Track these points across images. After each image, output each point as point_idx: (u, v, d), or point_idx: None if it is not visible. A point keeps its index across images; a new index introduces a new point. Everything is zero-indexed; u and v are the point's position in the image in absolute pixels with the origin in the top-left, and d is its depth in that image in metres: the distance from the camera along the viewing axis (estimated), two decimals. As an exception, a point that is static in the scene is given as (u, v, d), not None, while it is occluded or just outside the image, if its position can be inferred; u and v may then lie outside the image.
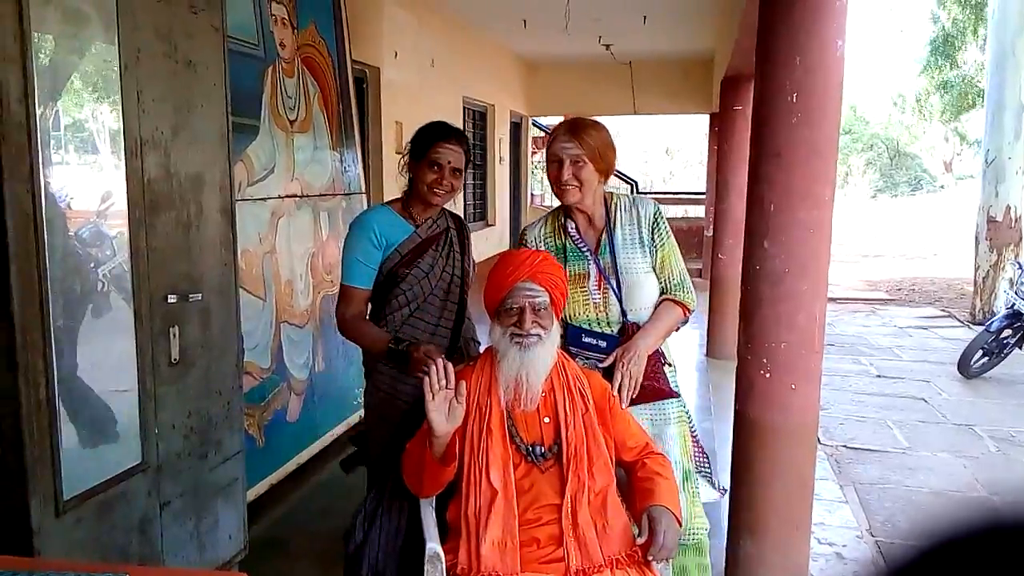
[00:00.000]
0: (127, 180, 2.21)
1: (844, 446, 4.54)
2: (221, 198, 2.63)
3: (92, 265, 2.18)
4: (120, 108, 2.19)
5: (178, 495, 2.46)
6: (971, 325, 7.99)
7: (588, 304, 2.25)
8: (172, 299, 2.38)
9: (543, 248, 2.29)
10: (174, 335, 2.41)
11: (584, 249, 2.28)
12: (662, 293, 2.30)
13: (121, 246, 2.24)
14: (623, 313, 2.25)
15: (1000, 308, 6.80)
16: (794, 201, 2.43)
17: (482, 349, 2.18)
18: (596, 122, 2.27)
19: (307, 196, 4.01)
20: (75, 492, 2.04)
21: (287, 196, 3.82)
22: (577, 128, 2.21)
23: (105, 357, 2.27)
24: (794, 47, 2.37)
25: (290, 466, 3.76)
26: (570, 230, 2.30)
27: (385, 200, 2.79)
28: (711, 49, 8.79)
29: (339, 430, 4.27)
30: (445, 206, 2.52)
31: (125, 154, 2.21)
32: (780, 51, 2.41)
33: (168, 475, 2.41)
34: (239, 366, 2.78)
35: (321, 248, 4.17)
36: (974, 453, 4.45)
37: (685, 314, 2.30)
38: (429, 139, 2.38)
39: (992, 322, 6.08)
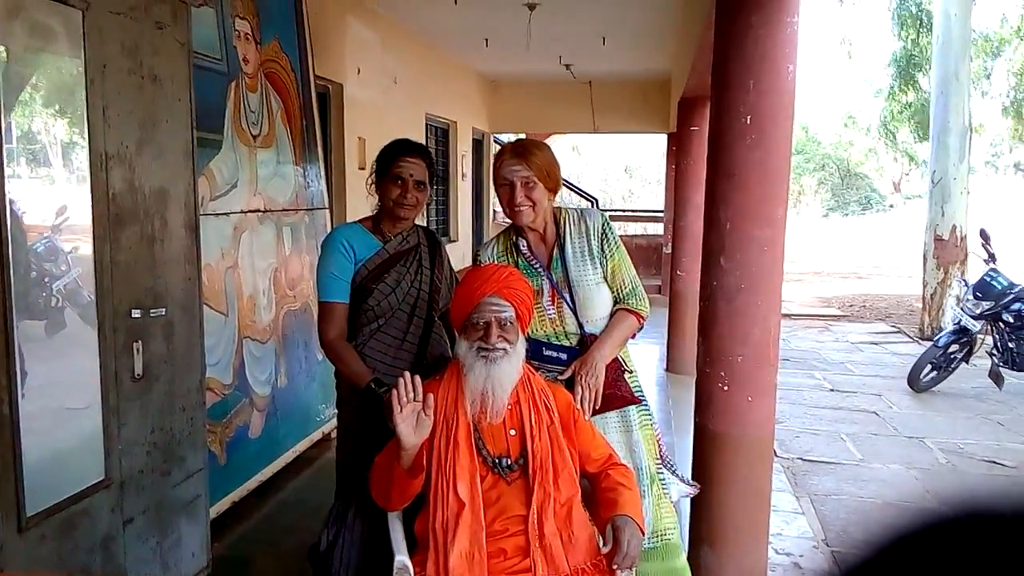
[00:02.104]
0: (91, 194, 2.21)
1: (800, 458, 4.64)
2: (185, 213, 2.63)
3: (47, 280, 2.16)
4: (85, 122, 2.19)
5: (141, 512, 2.44)
6: (920, 341, 8.22)
7: (544, 320, 2.30)
8: (136, 314, 2.37)
9: None
10: (137, 350, 2.39)
11: (536, 266, 2.33)
12: (615, 303, 2.36)
13: (76, 261, 2.22)
14: (580, 325, 2.30)
15: (947, 324, 7.01)
16: (748, 219, 2.52)
17: None
18: (540, 142, 2.37)
19: (270, 211, 4.01)
20: (38, 508, 2.02)
21: (250, 211, 3.81)
22: (523, 150, 2.27)
23: (68, 372, 2.25)
24: (748, 72, 2.47)
25: (252, 483, 3.73)
26: (522, 248, 2.35)
27: (350, 217, 2.81)
28: (668, 71, 8.97)
29: (302, 446, 4.24)
30: (417, 222, 2.57)
31: (90, 168, 2.20)
32: (734, 75, 2.50)
33: (131, 492, 2.39)
34: (203, 381, 2.77)
35: (284, 263, 4.16)
36: (924, 464, 4.59)
37: (639, 321, 2.35)
38: (391, 156, 2.45)
39: (940, 338, 6.27)
